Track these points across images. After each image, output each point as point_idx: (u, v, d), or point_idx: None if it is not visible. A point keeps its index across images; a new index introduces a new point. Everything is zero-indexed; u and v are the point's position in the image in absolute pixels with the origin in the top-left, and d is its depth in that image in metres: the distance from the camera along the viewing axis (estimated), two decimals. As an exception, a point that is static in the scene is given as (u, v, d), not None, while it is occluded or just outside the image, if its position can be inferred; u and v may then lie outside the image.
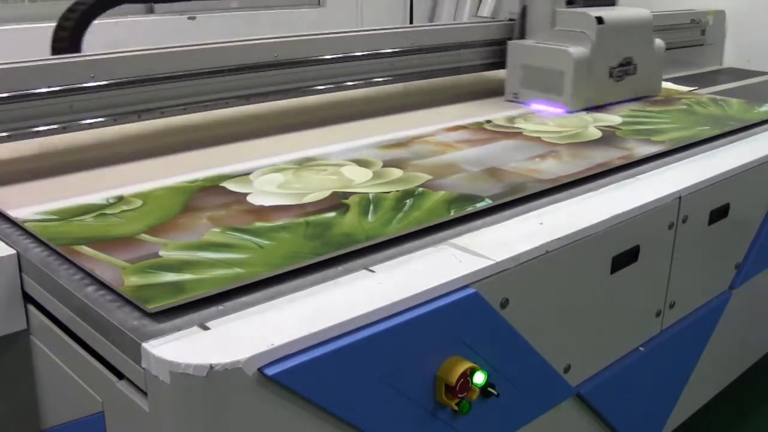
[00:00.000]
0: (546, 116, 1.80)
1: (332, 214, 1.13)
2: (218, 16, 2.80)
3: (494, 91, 2.03)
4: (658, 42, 2.03)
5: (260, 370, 0.78)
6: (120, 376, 0.87)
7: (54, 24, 1.72)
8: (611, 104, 1.91)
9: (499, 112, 1.81)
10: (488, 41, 2.03)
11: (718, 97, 2.09)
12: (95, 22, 1.73)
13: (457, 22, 2.06)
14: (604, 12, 1.88)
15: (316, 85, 1.70)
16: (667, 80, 2.38)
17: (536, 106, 1.88)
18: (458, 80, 2.05)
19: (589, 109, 1.88)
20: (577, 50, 1.82)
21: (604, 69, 1.88)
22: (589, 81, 1.85)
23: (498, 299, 1.02)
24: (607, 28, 1.84)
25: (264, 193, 1.22)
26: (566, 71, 1.82)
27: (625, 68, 1.92)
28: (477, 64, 2.04)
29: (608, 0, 2.02)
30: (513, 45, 1.95)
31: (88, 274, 0.94)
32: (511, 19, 2.04)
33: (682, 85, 2.29)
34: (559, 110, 1.83)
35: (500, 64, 2.02)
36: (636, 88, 1.99)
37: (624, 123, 1.74)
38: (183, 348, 0.78)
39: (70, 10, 1.69)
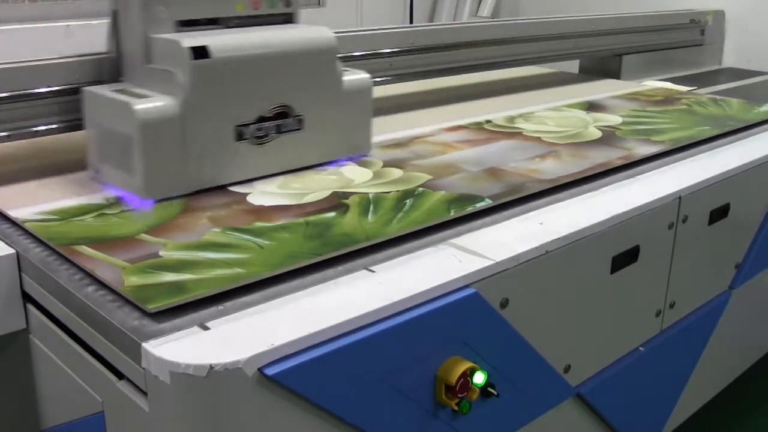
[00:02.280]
0: (545, 115, 1.80)
1: (332, 214, 1.13)
2: (218, 16, 2.79)
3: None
4: (354, 77, 1.36)
5: (260, 370, 0.78)
6: (120, 376, 0.87)
7: (53, 24, 1.72)
8: (258, 179, 1.27)
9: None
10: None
11: (718, 97, 2.09)
12: (95, 21, 1.72)
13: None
14: (223, 38, 1.20)
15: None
16: (665, 80, 2.39)
17: (119, 192, 1.21)
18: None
19: (590, 110, 1.88)
20: (150, 103, 1.14)
21: (221, 129, 1.20)
22: (185, 151, 1.17)
23: (498, 299, 1.02)
24: (218, 65, 1.17)
25: (264, 193, 1.22)
26: (134, 138, 1.14)
27: (274, 123, 1.25)
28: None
29: (279, 17, 1.34)
30: (88, 94, 1.25)
31: (88, 274, 0.94)
32: (102, 53, 1.32)
33: (681, 85, 2.30)
34: (137, 201, 1.17)
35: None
36: (309, 150, 1.32)
37: (624, 123, 1.74)
38: (183, 348, 0.78)
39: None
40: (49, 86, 1.30)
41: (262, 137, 1.24)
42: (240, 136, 1.22)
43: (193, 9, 1.24)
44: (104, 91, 1.22)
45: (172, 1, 1.21)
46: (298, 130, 1.29)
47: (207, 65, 1.16)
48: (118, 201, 1.17)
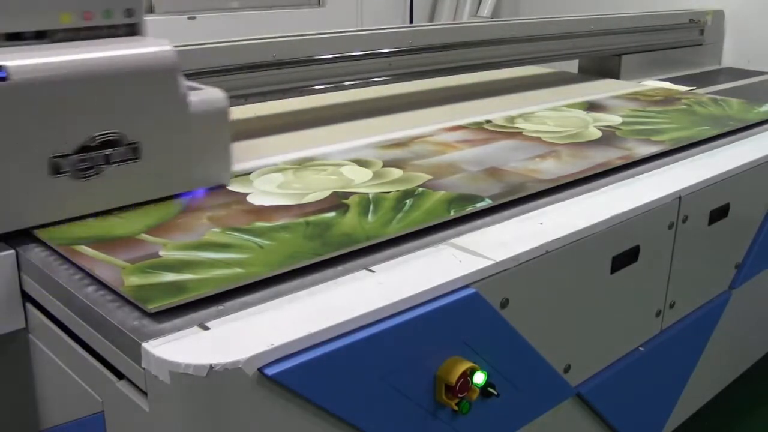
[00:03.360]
0: (545, 115, 1.80)
1: (332, 214, 1.13)
2: (218, 16, 2.80)
3: None
4: (206, 99, 1.20)
5: (260, 370, 0.78)
6: (120, 376, 0.87)
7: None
8: (90, 215, 1.11)
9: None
10: None
11: (718, 97, 2.09)
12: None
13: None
14: (28, 56, 1.03)
15: (314, 85, 1.70)
16: (665, 80, 2.39)
17: None
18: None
19: (590, 110, 1.88)
20: None
21: (32, 162, 1.04)
22: None
23: (498, 299, 1.02)
24: (22, 87, 1.01)
25: (264, 193, 1.22)
26: None
27: (100, 153, 1.08)
28: None
29: (117, 30, 1.17)
30: None
31: (88, 274, 0.94)
32: None
33: (681, 85, 2.30)
34: None
35: None
36: (150, 182, 1.15)
37: (624, 123, 1.74)
38: (183, 348, 0.78)
39: None
40: None
41: (85, 170, 1.08)
42: (57, 170, 1.05)
43: (13, 21, 1.08)
44: None
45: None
46: (135, 159, 1.12)
47: (7, 89, 0.99)
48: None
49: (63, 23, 1.11)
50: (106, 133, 1.09)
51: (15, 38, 1.09)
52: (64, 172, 1.06)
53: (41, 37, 1.11)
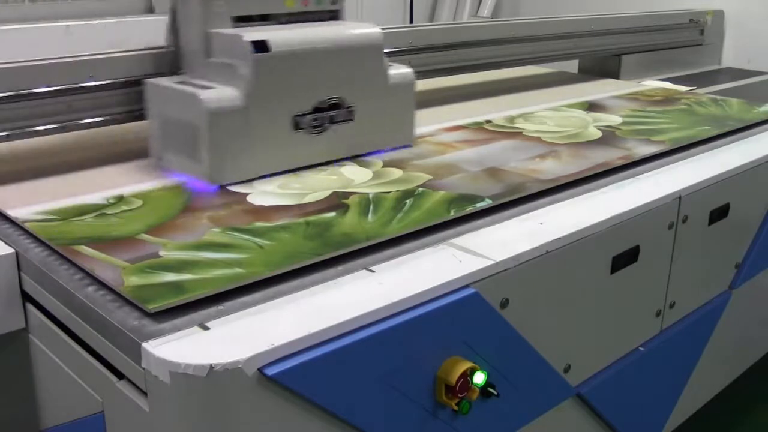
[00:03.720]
0: (545, 115, 1.80)
1: (332, 214, 1.13)
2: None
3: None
4: (399, 72, 1.43)
5: (260, 370, 0.78)
6: (120, 376, 0.87)
7: (53, 24, 1.72)
8: (314, 166, 1.34)
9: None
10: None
11: (718, 97, 2.09)
12: (95, 21, 1.73)
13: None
14: (279, 33, 1.26)
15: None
16: (665, 80, 2.39)
17: (183, 178, 1.27)
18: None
19: (590, 110, 1.88)
20: (216, 95, 1.20)
21: (279, 119, 1.26)
22: (248, 139, 1.24)
23: (498, 299, 1.02)
24: (277, 58, 1.23)
25: (264, 193, 1.22)
26: (201, 127, 1.19)
27: (327, 114, 1.31)
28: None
29: (324, 13, 1.43)
30: (151, 86, 1.32)
31: (88, 274, 0.94)
32: (162, 47, 1.40)
33: (681, 85, 2.30)
34: (203, 186, 1.23)
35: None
36: (359, 140, 1.39)
37: (624, 123, 1.74)
38: (183, 348, 0.78)
39: None
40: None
41: (316, 127, 1.31)
42: (297, 126, 1.29)
43: (248, 5, 1.32)
44: (168, 82, 1.29)
45: (229, -3, 1.29)
46: (349, 120, 1.35)
47: (267, 58, 1.22)
48: (118, 201, 1.17)
49: (287, 8, 1.36)
50: (332, 98, 1.32)
51: (244, 20, 1.31)
52: (301, 128, 1.29)
53: (265, 19, 1.34)
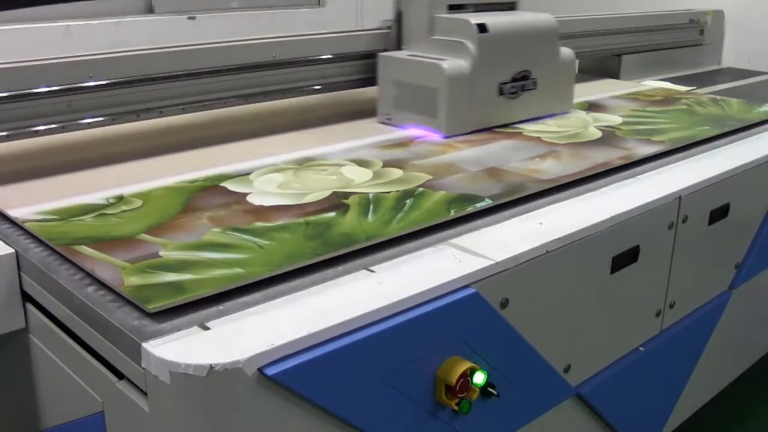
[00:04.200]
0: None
1: (332, 214, 1.13)
2: (218, 16, 2.79)
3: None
4: (566, 52, 1.78)
5: (260, 370, 0.78)
6: (120, 376, 0.87)
7: (53, 24, 1.72)
8: (511, 124, 1.68)
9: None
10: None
11: (718, 97, 2.09)
12: (95, 21, 1.73)
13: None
14: (491, 18, 1.61)
15: (313, 85, 1.70)
16: (665, 80, 2.39)
17: (413, 131, 1.61)
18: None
19: (590, 110, 1.88)
20: (452, 64, 1.54)
21: (491, 85, 1.62)
22: (471, 100, 1.58)
23: (498, 299, 1.02)
24: (492, 38, 1.58)
25: (264, 193, 1.22)
26: (440, 89, 1.54)
27: (520, 83, 1.66)
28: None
29: (506, 4, 1.76)
30: (384, 58, 1.66)
31: (88, 274, 0.94)
32: (387, 28, 1.77)
33: (681, 84, 2.30)
34: (436, 136, 1.57)
35: (372, 80, 1.74)
36: (538, 105, 1.74)
37: (624, 123, 1.74)
38: (183, 348, 0.78)
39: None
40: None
41: (513, 93, 1.66)
42: (501, 92, 1.64)
43: None
44: (402, 55, 1.66)
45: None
46: (533, 89, 1.70)
47: (486, 38, 1.59)
48: (118, 201, 1.17)
49: None
50: (523, 71, 1.67)
51: (455, 8, 1.67)
52: (503, 94, 1.65)
53: (461, 8, 1.68)
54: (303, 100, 1.79)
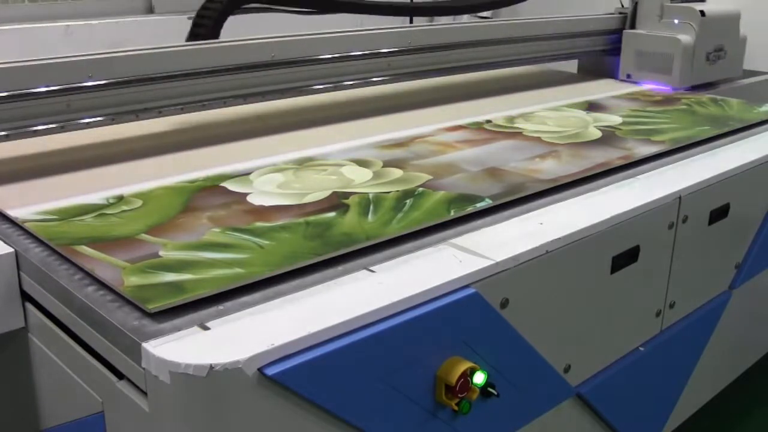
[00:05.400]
0: (545, 115, 1.80)
1: (332, 214, 1.13)
2: (218, 16, 2.79)
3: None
4: (743, 33, 2.40)
5: (260, 370, 0.78)
6: (120, 376, 0.87)
7: (53, 24, 1.72)
8: (710, 84, 2.27)
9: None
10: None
11: (718, 97, 2.09)
12: (95, 21, 1.73)
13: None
14: (705, 6, 2.24)
15: (313, 85, 1.70)
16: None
17: (647, 86, 2.22)
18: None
19: (590, 110, 1.88)
20: (685, 37, 2.19)
21: (702, 54, 2.23)
22: (692, 64, 2.21)
23: (498, 299, 1.02)
24: (707, 20, 2.20)
25: (264, 193, 1.22)
26: (676, 55, 2.18)
27: (718, 53, 2.27)
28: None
29: None
30: (627, 34, 2.31)
31: (88, 274, 0.94)
32: (620, 12, 2.38)
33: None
34: (667, 88, 2.18)
35: (613, 51, 2.36)
36: (724, 70, 2.34)
37: (624, 123, 1.74)
38: (183, 348, 0.78)
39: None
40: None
41: (713, 61, 2.27)
42: (707, 59, 2.25)
43: None
44: (643, 32, 2.28)
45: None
46: (724, 59, 2.32)
47: (705, 20, 2.19)
48: (118, 200, 1.17)
49: None
50: (720, 44, 2.30)
51: (674, 1, 2.28)
52: (708, 60, 2.27)
53: (685, 1, 2.30)
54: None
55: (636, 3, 2.33)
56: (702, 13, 2.19)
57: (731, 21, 2.36)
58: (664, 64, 2.20)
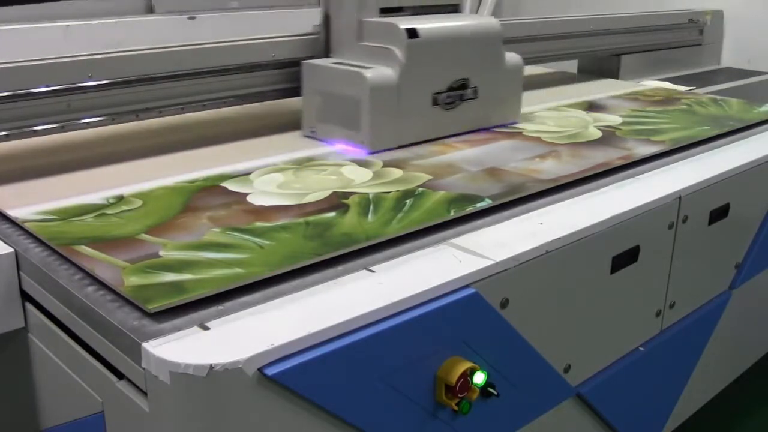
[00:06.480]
0: (545, 115, 1.80)
1: (332, 214, 1.13)
2: (218, 16, 2.79)
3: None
4: (512, 57, 1.64)
5: (260, 370, 0.78)
6: (120, 376, 0.87)
7: (53, 24, 1.72)
8: (444, 138, 1.54)
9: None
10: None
11: (718, 97, 2.09)
12: (95, 21, 1.72)
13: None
14: (424, 23, 1.47)
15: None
16: (664, 80, 2.39)
17: (339, 146, 1.47)
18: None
19: (590, 110, 1.88)
20: (376, 72, 1.40)
21: (423, 95, 1.48)
22: (399, 112, 1.44)
23: (498, 299, 1.02)
24: (424, 44, 1.44)
25: (264, 193, 1.22)
26: (362, 100, 1.40)
27: (458, 93, 1.52)
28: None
29: (448, 6, 1.63)
30: (308, 66, 1.51)
31: (88, 274, 0.94)
32: (310, 34, 1.60)
33: (680, 85, 2.30)
34: (361, 151, 1.43)
35: (297, 90, 1.59)
36: (479, 116, 1.60)
37: (624, 123, 1.74)
38: (183, 348, 0.78)
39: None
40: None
41: (449, 103, 1.52)
42: (435, 102, 1.50)
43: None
44: (326, 63, 1.50)
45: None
46: (474, 99, 1.56)
47: (417, 43, 1.44)
48: (118, 200, 1.17)
49: (419, 0, 1.57)
50: (462, 79, 1.53)
51: (388, 11, 1.50)
52: (437, 104, 1.50)
53: (399, 11, 1.52)
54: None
55: (328, 16, 1.56)
56: (411, 32, 1.42)
57: (482, 42, 1.56)
58: (351, 115, 1.43)
